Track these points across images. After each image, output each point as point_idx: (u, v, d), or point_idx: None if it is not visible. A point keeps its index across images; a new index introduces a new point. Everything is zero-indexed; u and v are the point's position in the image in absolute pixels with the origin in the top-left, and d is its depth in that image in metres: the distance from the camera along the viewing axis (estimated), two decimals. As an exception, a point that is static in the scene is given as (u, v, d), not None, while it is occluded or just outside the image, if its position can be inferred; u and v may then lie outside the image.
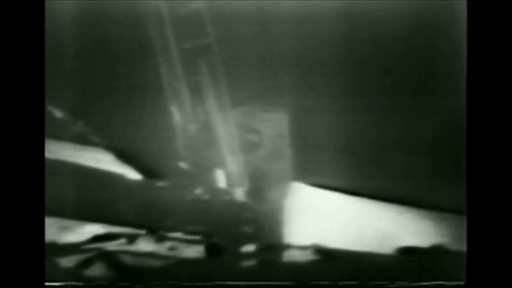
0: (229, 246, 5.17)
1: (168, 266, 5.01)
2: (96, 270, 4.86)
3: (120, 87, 5.34)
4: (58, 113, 5.39)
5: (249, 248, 5.15)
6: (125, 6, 5.18)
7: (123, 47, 5.30)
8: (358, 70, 5.06)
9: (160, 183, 5.46)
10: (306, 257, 5.00)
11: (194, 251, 5.11)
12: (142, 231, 5.27)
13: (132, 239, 5.20)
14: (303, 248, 5.06)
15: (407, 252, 4.98)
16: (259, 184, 5.38)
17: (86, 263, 4.89)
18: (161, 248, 5.14)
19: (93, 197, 5.35)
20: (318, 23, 5.00)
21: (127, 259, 5.01)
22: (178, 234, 5.26)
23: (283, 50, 5.14)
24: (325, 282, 4.65)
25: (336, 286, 4.62)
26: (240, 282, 4.74)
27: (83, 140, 5.48)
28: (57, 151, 5.36)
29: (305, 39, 5.09)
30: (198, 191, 5.41)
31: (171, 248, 5.14)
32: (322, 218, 5.20)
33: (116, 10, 5.18)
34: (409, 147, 5.06)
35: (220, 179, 5.41)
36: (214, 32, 5.17)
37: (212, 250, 5.14)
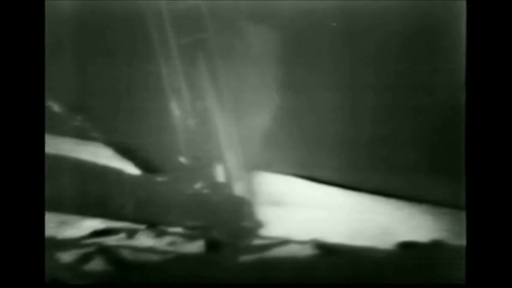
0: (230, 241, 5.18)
1: (168, 260, 5.01)
2: (96, 265, 4.86)
3: (119, 82, 5.34)
4: (58, 108, 5.40)
5: (249, 242, 5.16)
6: (124, 2, 5.19)
7: (122, 42, 5.31)
8: (355, 66, 5.06)
9: (159, 178, 5.48)
10: (306, 252, 5.00)
11: (194, 246, 5.12)
12: (142, 226, 5.28)
13: (131, 233, 5.21)
14: (302, 243, 5.07)
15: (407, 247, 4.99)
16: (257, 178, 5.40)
17: (85, 258, 4.89)
18: (161, 243, 5.15)
19: (92, 192, 5.36)
20: (316, 19, 5.00)
21: (126, 254, 5.01)
22: (178, 229, 5.28)
23: (283, 46, 5.15)
24: (324, 277, 4.66)
25: (335, 281, 4.63)
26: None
27: (82, 135, 5.49)
28: (57, 146, 5.37)
29: (305, 36, 5.09)
30: (198, 185, 5.42)
31: (171, 243, 5.15)
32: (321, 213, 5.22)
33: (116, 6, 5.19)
34: (407, 143, 5.08)
35: (220, 174, 5.42)
36: (213, 27, 5.17)
37: (212, 245, 5.14)
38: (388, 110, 5.07)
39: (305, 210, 5.25)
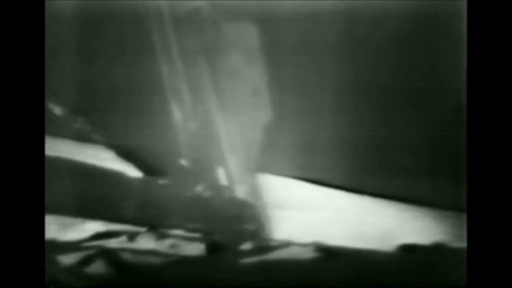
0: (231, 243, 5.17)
1: (169, 263, 5.01)
2: (96, 267, 4.86)
3: (120, 84, 5.34)
4: (58, 111, 5.40)
5: (250, 245, 5.16)
6: (126, 3, 5.18)
7: (123, 44, 5.31)
8: (356, 68, 5.05)
9: (160, 181, 5.48)
10: (307, 254, 5.00)
11: (195, 249, 5.11)
12: (143, 229, 5.27)
13: (132, 236, 5.20)
14: (304, 245, 5.06)
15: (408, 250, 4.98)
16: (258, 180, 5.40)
17: (86, 261, 4.89)
18: (162, 246, 5.15)
19: (93, 195, 5.36)
20: (318, 21, 4.99)
21: (127, 257, 5.00)
22: (179, 232, 5.27)
23: (284, 48, 5.15)
24: (325, 280, 4.65)
25: (336, 283, 4.62)
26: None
27: (83, 138, 5.49)
28: (57, 148, 5.37)
29: (306, 37, 5.08)
30: (199, 188, 5.41)
31: (172, 246, 5.14)
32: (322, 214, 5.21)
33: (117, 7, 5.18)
34: (408, 145, 5.07)
35: (221, 176, 5.41)
36: (215, 29, 5.17)
37: (213, 248, 5.14)
38: (389, 112, 5.07)
39: (307, 213, 5.24)
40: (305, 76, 5.14)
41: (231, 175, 5.40)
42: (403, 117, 5.05)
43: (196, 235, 5.25)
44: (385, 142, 5.08)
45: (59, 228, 5.22)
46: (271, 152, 5.32)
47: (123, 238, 5.20)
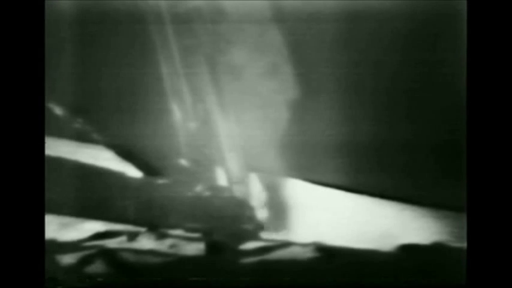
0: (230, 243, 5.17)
1: (169, 263, 5.00)
2: (96, 267, 4.85)
3: (119, 84, 5.33)
4: (58, 111, 5.40)
5: (250, 245, 5.15)
6: (125, 3, 5.18)
7: (123, 44, 5.30)
8: (357, 69, 5.05)
9: (160, 181, 5.47)
10: (307, 254, 4.99)
11: (195, 249, 5.11)
12: (143, 229, 5.27)
13: (132, 236, 5.20)
14: (304, 245, 5.06)
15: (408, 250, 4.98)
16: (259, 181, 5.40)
17: (86, 261, 4.89)
18: (162, 246, 5.14)
19: (93, 195, 5.35)
20: (319, 22, 4.99)
21: (127, 256, 5.00)
22: (179, 232, 5.27)
23: (284, 48, 5.15)
24: (325, 280, 4.65)
25: (336, 283, 4.62)
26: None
27: (82, 138, 5.48)
28: (57, 148, 5.36)
29: (306, 37, 5.08)
30: (199, 188, 5.41)
31: (171, 246, 5.14)
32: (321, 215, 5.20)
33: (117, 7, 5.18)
34: (408, 145, 5.06)
35: (220, 176, 5.41)
36: (214, 29, 5.17)
37: (212, 247, 5.13)
38: (389, 112, 5.07)
39: (306, 213, 5.24)
40: (305, 76, 5.14)
41: (230, 175, 5.39)
42: (403, 117, 5.05)
43: (196, 235, 5.24)
44: (385, 142, 5.07)
45: (59, 228, 5.21)
46: (271, 152, 5.31)
47: (123, 238, 5.20)
